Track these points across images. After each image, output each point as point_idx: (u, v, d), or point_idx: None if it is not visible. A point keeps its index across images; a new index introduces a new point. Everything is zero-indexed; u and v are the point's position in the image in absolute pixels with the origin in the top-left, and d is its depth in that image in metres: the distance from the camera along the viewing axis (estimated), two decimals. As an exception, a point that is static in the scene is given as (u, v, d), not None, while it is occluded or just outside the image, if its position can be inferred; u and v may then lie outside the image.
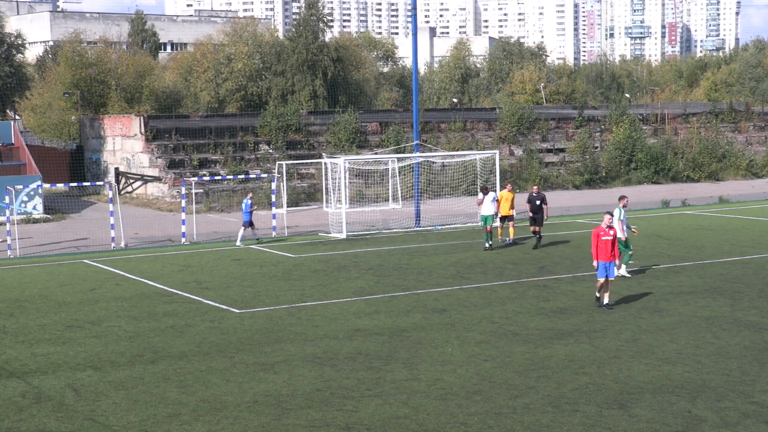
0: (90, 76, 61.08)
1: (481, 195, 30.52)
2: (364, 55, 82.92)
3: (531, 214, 30.16)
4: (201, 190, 45.65)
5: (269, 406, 14.22)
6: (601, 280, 20.59)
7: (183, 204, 34.70)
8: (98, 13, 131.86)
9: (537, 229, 29.90)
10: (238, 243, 32.43)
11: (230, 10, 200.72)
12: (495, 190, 38.35)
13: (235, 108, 68.00)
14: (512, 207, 31.31)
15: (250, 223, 32.40)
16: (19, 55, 69.05)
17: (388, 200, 45.87)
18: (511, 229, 31.37)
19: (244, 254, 30.33)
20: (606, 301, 20.80)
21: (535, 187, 30.80)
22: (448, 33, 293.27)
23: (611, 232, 20.65)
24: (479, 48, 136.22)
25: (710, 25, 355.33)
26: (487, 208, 29.95)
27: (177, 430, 13.24)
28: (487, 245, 29.85)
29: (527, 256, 28.77)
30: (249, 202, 32.62)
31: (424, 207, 40.11)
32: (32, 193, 42.11)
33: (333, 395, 14.66)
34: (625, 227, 24.78)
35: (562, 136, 59.41)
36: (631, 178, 55.47)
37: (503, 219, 31.32)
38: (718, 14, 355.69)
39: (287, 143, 51.36)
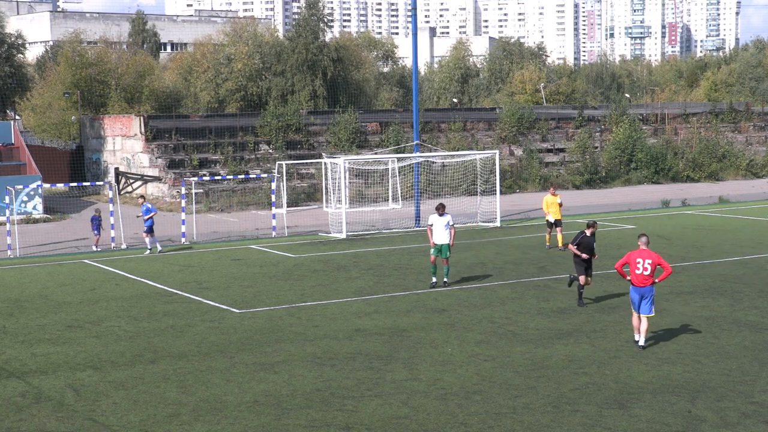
0: (90, 76, 61.06)
1: (434, 218, 23.43)
2: (364, 55, 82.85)
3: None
4: (201, 190, 45.67)
5: (269, 406, 14.21)
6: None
7: (183, 204, 34.72)
8: (98, 13, 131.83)
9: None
10: (159, 249, 31.02)
11: (230, 10, 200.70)
12: (496, 192, 38.41)
13: (235, 108, 67.97)
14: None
15: (151, 230, 30.82)
16: (19, 55, 69.10)
17: (388, 200, 45.88)
18: (559, 236, 29.77)
19: (244, 254, 30.33)
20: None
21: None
22: (448, 33, 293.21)
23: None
24: (479, 48, 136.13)
25: (710, 25, 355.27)
26: (441, 234, 23.25)
27: (177, 430, 13.24)
28: (434, 280, 23.71)
29: (527, 256, 28.76)
30: (149, 206, 31.11)
31: (424, 207, 40.06)
32: (32, 193, 42.12)
33: (333, 395, 14.65)
34: None
35: (562, 136, 59.41)
36: (631, 178, 55.48)
37: (556, 223, 29.67)
38: (718, 14, 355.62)
39: (287, 143, 51.36)
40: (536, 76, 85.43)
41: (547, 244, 30.07)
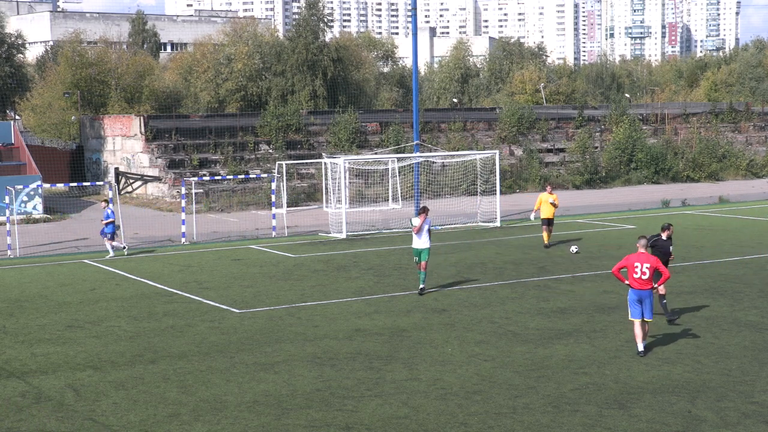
0: (90, 76, 61.08)
1: (417, 220, 22.66)
2: (364, 55, 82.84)
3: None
4: (201, 190, 45.67)
5: (269, 406, 14.21)
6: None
7: (183, 204, 34.72)
8: (98, 13, 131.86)
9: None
10: (111, 254, 30.01)
11: (230, 10, 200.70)
12: (496, 192, 38.38)
13: (235, 108, 67.99)
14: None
15: (114, 234, 30.10)
16: (19, 55, 69.11)
17: (388, 200, 45.88)
18: (545, 234, 30.31)
19: (244, 254, 30.34)
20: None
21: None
22: (448, 33, 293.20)
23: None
24: (479, 48, 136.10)
25: (710, 25, 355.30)
26: (422, 238, 22.54)
27: (177, 430, 13.24)
28: (422, 286, 22.77)
29: (527, 256, 28.77)
30: (109, 211, 30.01)
31: (424, 207, 40.05)
32: (32, 193, 42.12)
33: (333, 395, 14.65)
34: None
35: (562, 136, 59.43)
36: (631, 178, 55.49)
37: (548, 222, 30.23)
38: (718, 14, 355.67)
39: (287, 143, 51.38)
40: (536, 76, 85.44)
41: (545, 242, 30.35)
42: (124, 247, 30.64)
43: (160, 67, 78.61)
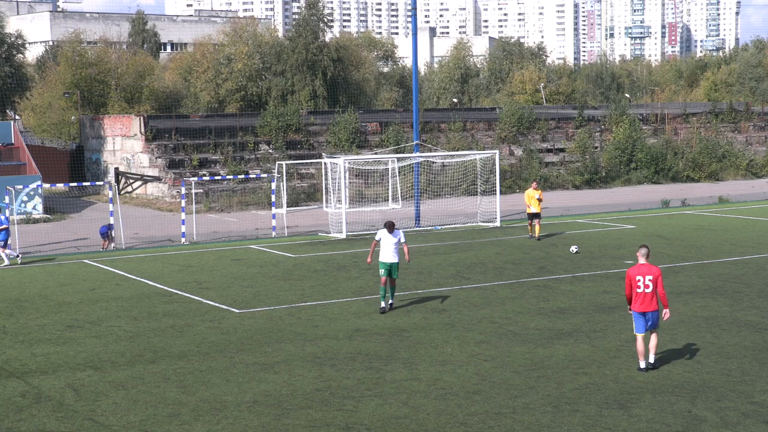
0: (90, 76, 61.10)
1: (383, 233, 21.12)
2: (364, 55, 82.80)
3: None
4: (201, 190, 45.68)
5: (269, 406, 14.21)
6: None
7: (183, 204, 34.73)
8: (98, 13, 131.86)
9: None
10: (6, 262, 28.71)
11: (230, 10, 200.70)
12: (496, 192, 38.37)
13: (235, 108, 67.99)
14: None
15: (6, 242, 28.69)
16: (19, 55, 69.07)
17: (388, 200, 45.88)
18: (537, 227, 32.10)
19: (244, 254, 30.34)
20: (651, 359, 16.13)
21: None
22: (448, 33, 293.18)
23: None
24: (479, 48, 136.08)
25: (710, 25, 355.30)
26: (390, 253, 20.94)
27: (177, 430, 13.23)
28: (383, 305, 21.06)
29: (527, 256, 28.76)
30: (3, 217, 28.77)
31: (424, 207, 40.10)
32: (32, 193, 42.13)
33: (333, 395, 14.65)
34: None
35: (562, 136, 59.44)
36: (631, 178, 55.51)
37: (533, 216, 32.10)
38: (718, 14, 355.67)
39: (287, 143, 51.39)
40: (536, 76, 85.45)
41: (529, 233, 32.50)
42: (18, 256, 29.21)
43: (160, 67, 78.64)
